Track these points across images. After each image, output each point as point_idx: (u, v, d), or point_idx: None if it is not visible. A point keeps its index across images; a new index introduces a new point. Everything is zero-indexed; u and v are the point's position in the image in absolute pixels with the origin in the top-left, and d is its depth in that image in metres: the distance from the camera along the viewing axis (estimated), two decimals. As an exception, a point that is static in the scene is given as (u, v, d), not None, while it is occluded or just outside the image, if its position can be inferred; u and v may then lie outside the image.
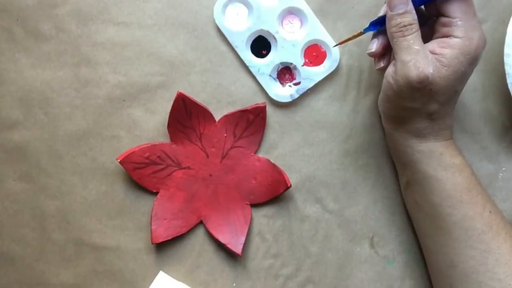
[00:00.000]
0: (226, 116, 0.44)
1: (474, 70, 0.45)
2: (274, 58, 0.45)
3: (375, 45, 0.39)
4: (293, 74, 0.45)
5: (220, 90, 0.45)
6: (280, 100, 0.45)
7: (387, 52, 0.40)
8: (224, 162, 0.44)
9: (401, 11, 0.36)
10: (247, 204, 0.44)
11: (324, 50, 0.45)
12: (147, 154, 0.43)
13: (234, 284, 0.45)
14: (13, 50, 0.46)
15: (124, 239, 0.45)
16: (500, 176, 0.45)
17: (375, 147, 0.45)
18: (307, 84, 0.45)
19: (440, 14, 0.37)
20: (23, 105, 0.45)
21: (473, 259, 0.37)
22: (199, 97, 0.44)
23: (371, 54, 0.40)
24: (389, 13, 0.37)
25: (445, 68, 0.35)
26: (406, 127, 0.39)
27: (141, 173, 0.43)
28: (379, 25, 0.39)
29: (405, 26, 0.36)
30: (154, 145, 0.44)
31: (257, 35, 0.45)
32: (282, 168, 0.45)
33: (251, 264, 0.45)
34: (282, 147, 0.45)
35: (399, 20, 0.36)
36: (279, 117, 0.45)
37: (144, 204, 0.45)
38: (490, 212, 0.38)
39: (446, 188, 0.38)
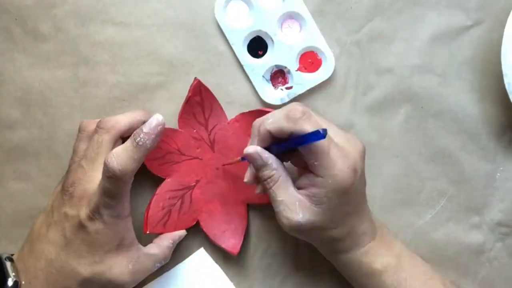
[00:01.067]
0: (238, 117, 0.44)
1: (472, 71, 0.46)
2: (269, 59, 0.45)
3: (248, 176, 0.39)
4: (286, 78, 0.45)
5: (218, 90, 0.45)
6: (270, 102, 0.45)
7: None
8: (231, 163, 0.44)
9: (259, 166, 0.37)
10: (245, 204, 0.44)
11: (320, 58, 0.45)
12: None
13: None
14: (12, 50, 0.46)
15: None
16: (497, 176, 0.45)
17: (373, 148, 0.45)
18: (298, 90, 0.45)
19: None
20: (22, 105, 0.45)
21: None
22: (198, 97, 0.44)
23: (246, 183, 0.40)
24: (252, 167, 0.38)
25: (317, 206, 0.36)
26: (322, 248, 0.41)
27: (152, 157, 0.43)
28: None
29: (265, 179, 0.37)
30: (170, 130, 0.43)
31: (255, 35, 0.45)
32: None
33: (249, 263, 0.45)
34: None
35: (259, 174, 0.38)
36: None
37: (143, 204, 0.45)
38: None
39: None
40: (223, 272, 0.44)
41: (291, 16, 0.45)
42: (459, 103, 0.46)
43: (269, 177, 0.37)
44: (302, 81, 0.45)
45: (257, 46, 0.45)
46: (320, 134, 0.33)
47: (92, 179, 0.38)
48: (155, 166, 0.43)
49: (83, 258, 0.37)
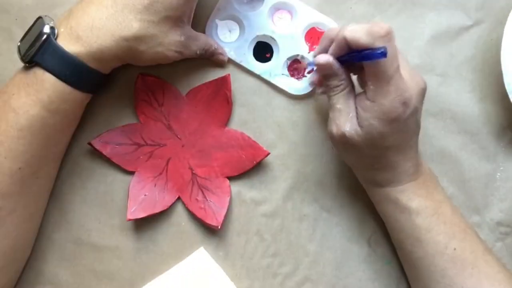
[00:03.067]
0: (191, 91, 0.44)
1: (472, 70, 0.46)
2: (279, 56, 0.45)
3: (314, 77, 0.43)
4: (304, 64, 0.45)
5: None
6: (302, 93, 0.45)
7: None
8: (194, 137, 0.44)
9: (328, 74, 0.38)
10: (225, 177, 0.44)
11: (322, 30, 0.45)
12: (118, 137, 0.44)
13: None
14: (12, 50, 0.46)
15: (123, 239, 0.45)
16: (498, 176, 0.45)
17: (373, 147, 0.46)
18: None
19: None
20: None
21: None
22: (198, 97, 0.44)
23: (311, 84, 0.42)
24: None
25: (360, 127, 0.37)
26: (359, 173, 0.42)
27: (114, 153, 0.44)
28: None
29: (331, 88, 0.38)
30: (124, 126, 0.44)
31: (255, 42, 0.45)
32: (280, 168, 0.45)
33: (249, 263, 0.45)
34: (280, 146, 0.45)
35: (327, 82, 0.38)
36: (277, 117, 0.46)
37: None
38: (454, 249, 0.38)
39: (404, 229, 0.40)
40: (223, 271, 0.44)
41: (277, 7, 0.45)
42: (459, 103, 0.46)
43: (336, 86, 0.38)
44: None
45: (263, 51, 0.45)
46: (380, 53, 0.32)
47: None
48: (125, 162, 0.44)
49: (140, 14, 0.37)
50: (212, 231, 0.45)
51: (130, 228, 0.45)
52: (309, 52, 0.45)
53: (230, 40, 0.45)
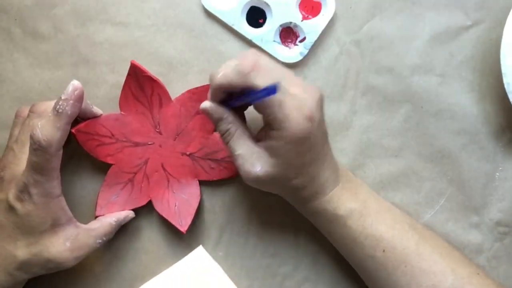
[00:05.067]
0: (182, 95, 0.44)
1: (471, 70, 0.46)
2: (272, 23, 0.45)
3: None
4: (296, 32, 0.45)
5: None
6: (291, 61, 0.45)
7: None
8: (178, 139, 0.44)
9: (214, 120, 0.38)
10: (196, 181, 0.44)
11: (317, 0, 0.45)
12: (98, 127, 0.43)
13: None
14: (11, 50, 0.46)
15: (123, 239, 0.45)
16: (497, 176, 0.45)
17: (372, 148, 0.46)
18: (312, 37, 0.45)
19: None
20: (22, 105, 0.45)
21: None
22: (197, 97, 0.44)
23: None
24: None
25: (274, 158, 0.36)
26: (288, 198, 0.41)
27: (90, 144, 0.43)
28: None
29: (222, 134, 0.38)
30: (106, 117, 0.43)
31: (249, 7, 0.45)
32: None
33: (249, 263, 0.45)
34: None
35: (217, 129, 0.38)
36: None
37: (143, 206, 0.45)
38: (383, 251, 0.38)
39: (338, 238, 0.40)
40: (222, 270, 0.44)
41: None
42: (458, 103, 0.46)
43: (226, 131, 0.38)
44: (311, 28, 0.45)
45: (256, 16, 0.46)
46: (272, 90, 0.31)
47: (21, 162, 0.38)
48: (101, 152, 0.43)
49: (18, 241, 0.37)
50: (211, 231, 0.45)
51: (129, 228, 0.45)
52: (302, 21, 0.45)
53: (223, 4, 0.45)
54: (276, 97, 0.34)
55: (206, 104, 0.37)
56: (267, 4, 0.45)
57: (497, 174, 0.45)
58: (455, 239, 0.45)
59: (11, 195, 0.37)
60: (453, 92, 0.46)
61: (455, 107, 0.46)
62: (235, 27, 0.45)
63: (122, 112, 0.44)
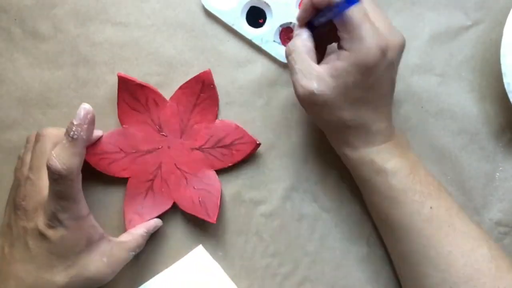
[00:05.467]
0: (176, 93, 0.44)
1: (471, 70, 0.46)
2: (272, 23, 0.45)
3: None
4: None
5: (217, 90, 0.45)
6: None
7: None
8: (184, 136, 0.44)
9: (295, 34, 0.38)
10: (212, 171, 0.44)
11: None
12: (106, 145, 0.43)
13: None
14: (11, 50, 0.46)
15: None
16: (497, 176, 0.45)
17: (373, 147, 0.46)
18: None
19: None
20: (21, 105, 0.46)
21: (417, 252, 0.38)
22: (197, 97, 0.44)
23: None
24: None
25: (334, 79, 0.36)
26: (333, 136, 0.41)
27: (103, 164, 0.43)
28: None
29: (292, 49, 0.38)
30: (110, 134, 0.43)
31: (249, 7, 0.45)
32: (278, 167, 0.45)
33: (248, 264, 0.45)
34: (279, 147, 0.45)
35: (291, 42, 0.38)
36: (276, 117, 0.46)
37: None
38: (431, 208, 0.38)
39: (380, 190, 0.39)
40: (222, 269, 0.44)
41: None
42: (458, 103, 0.46)
43: (294, 45, 0.38)
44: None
45: (256, 16, 0.46)
46: (348, 2, 0.32)
47: (41, 189, 0.38)
48: (116, 169, 0.44)
49: (55, 268, 0.37)
50: (211, 231, 0.45)
51: (129, 228, 0.45)
52: None
53: (223, 4, 0.45)
54: (356, 16, 0.34)
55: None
56: (267, 4, 0.45)
57: (497, 174, 0.45)
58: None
59: (41, 224, 0.37)
60: (453, 92, 0.46)
61: (455, 107, 0.46)
62: (235, 27, 0.45)
63: (123, 126, 0.44)
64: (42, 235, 0.37)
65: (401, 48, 0.37)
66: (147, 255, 0.45)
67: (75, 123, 0.36)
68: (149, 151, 0.44)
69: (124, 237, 0.41)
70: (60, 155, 0.35)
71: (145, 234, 0.42)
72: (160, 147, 0.44)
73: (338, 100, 0.37)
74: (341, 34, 0.36)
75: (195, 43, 0.46)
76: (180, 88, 0.44)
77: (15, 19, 0.46)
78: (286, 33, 0.46)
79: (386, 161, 0.39)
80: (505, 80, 0.42)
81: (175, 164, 0.44)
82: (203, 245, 0.45)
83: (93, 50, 0.46)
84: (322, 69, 0.36)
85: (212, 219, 0.43)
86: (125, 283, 0.45)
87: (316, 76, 0.36)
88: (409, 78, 0.46)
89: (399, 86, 0.45)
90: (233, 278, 0.45)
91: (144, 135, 0.44)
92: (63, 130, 0.38)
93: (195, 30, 0.46)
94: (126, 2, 0.46)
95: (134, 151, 0.44)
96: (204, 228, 0.45)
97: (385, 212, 0.40)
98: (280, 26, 0.45)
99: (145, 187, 0.44)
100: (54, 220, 0.36)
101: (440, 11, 0.46)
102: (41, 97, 0.45)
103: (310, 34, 0.38)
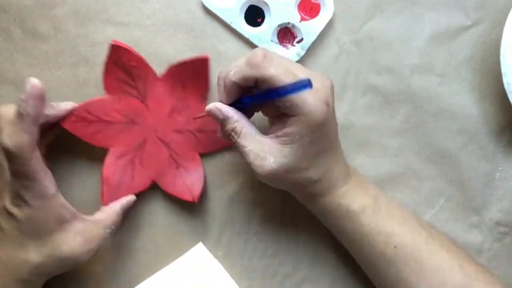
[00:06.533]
0: (168, 71, 0.43)
1: (471, 70, 0.46)
2: (270, 22, 0.45)
3: (219, 130, 0.39)
4: (294, 33, 0.45)
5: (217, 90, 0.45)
6: None
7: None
8: (171, 117, 0.44)
9: (220, 120, 0.38)
10: (198, 154, 0.44)
11: (316, 1, 0.45)
12: (86, 112, 0.42)
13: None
14: (11, 50, 0.46)
15: (124, 238, 0.45)
16: (496, 176, 0.45)
17: (372, 148, 0.46)
18: (310, 38, 0.45)
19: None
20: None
21: None
22: (197, 97, 0.44)
23: (222, 138, 0.40)
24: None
25: (288, 146, 0.36)
26: (298, 194, 0.41)
27: (84, 131, 0.42)
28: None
29: (229, 133, 0.37)
30: (92, 101, 0.42)
31: (248, 6, 0.45)
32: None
33: (249, 263, 0.45)
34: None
35: (224, 128, 0.38)
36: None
37: (140, 205, 0.45)
38: (395, 247, 0.38)
39: (349, 234, 0.40)
40: (222, 267, 0.44)
41: None
42: (458, 103, 0.46)
43: (232, 130, 0.37)
44: (309, 29, 0.45)
45: (254, 15, 0.46)
46: (305, 84, 0.32)
47: (7, 169, 0.37)
48: (96, 138, 0.43)
49: (27, 246, 0.37)
50: (211, 231, 0.45)
51: (128, 228, 0.45)
52: (300, 22, 0.45)
53: (222, 1, 0.45)
54: (296, 99, 0.35)
55: (211, 105, 0.38)
56: (266, 4, 0.45)
57: (497, 174, 0.45)
58: (455, 239, 0.45)
59: (7, 203, 0.37)
60: (453, 92, 0.46)
61: (455, 107, 0.46)
62: (233, 25, 0.45)
63: (109, 95, 0.43)
64: (9, 214, 0.37)
65: (332, 89, 0.38)
66: (147, 253, 0.45)
67: (21, 97, 0.35)
68: (134, 123, 0.43)
69: (99, 215, 0.41)
70: (9, 133, 0.35)
71: (119, 211, 0.41)
72: (146, 122, 0.43)
73: (299, 163, 0.37)
74: (282, 102, 0.35)
75: (195, 43, 0.46)
76: (175, 66, 0.43)
77: (15, 19, 0.46)
78: (284, 33, 0.46)
79: (351, 204, 0.39)
80: (504, 80, 0.42)
81: (161, 141, 0.44)
82: (202, 240, 0.45)
83: (93, 50, 0.46)
84: (272, 142, 0.36)
85: (195, 197, 0.42)
86: (125, 281, 0.45)
87: (268, 151, 0.36)
88: (409, 78, 0.46)
89: (399, 86, 0.45)
90: (233, 278, 0.45)
91: (130, 108, 0.43)
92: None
93: (195, 30, 0.46)
94: (126, 2, 0.46)
95: (118, 122, 0.43)
96: (204, 227, 0.45)
97: (355, 252, 0.41)
98: (278, 26, 0.45)
99: (125, 161, 0.43)
100: (18, 199, 0.36)
101: (440, 11, 0.46)
102: (41, 97, 0.45)
103: (238, 112, 0.38)
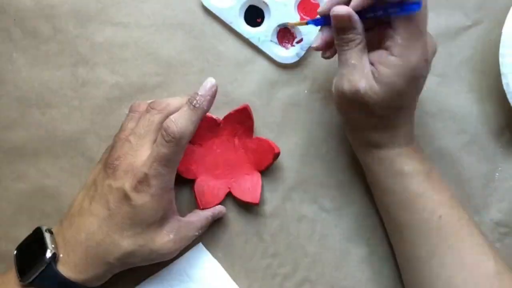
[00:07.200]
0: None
1: (471, 71, 0.46)
2: (270, 23, 0.45)
3: (319, 40, 0.39)
4: (293, 33, 0.46)
5: (217, 90, 0.45)
6: (287, 62, 0.45)
7: (332, 45, 0.40)
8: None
9: (345, 27, 0.36)
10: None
11: (316, 2, 0.45)
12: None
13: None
14: (10, 50, 0.46)
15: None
16: (496, 176, 0.45)
17: (372, 147, 0.46)
18: (309, 39, 0.45)
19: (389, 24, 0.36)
20: (21, 105, 0.45)
21: (420, 259, 0.39)
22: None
23: (314, 49, 0.40)
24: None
25: (378, 84, 0.36)
26: (357, 134, 0.41)
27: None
28: (322, 24, 0.39)
29: (346, 42, 0.36)
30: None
31: (247, 6, 0.45)
32: (279, 168, 0.45)
33: (249, 264, 0.45)
34: (280, 147, 0.45)
35: (341, 35, 0.36)
36: (276, 117, 0.46)
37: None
38: (440, 216, 0.38)
39: (395, 192, 0.39)
40: (222, 267, 0.44)
41: None
42: (458, 103, 0.46)
43: (352, 41, 0.36)
44: (309, 29, 0.45)
45: (254, 16, 0.46)
46: (417, 4, 0.31)
47: (138, 154, 0.38)
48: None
49: (125, 232, 0.38)
50: (211, 231, 0.45)
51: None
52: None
53: (222, 1, 0.45)
54: (422, 23, 0.34)
55: (344, 9, 0.35)
56: (265, 4, 0.45)
57: (497, 174, 0.45)
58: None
59: (128, 185, 0.37)
60: (453, 92, 0.46)
61: (454, 107, 0.46)
62: (232, 25, 0.45)
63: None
64: (126, 196, 0.37)
65: (435, 54, 0.38)
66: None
67: (200, 93, 0.38)
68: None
69: (191, 217, 0.42)
70: (178, 120, 0.37)
71: (210, 218, 0.43)
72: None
73: (380, 106, 0.36)
74: (397, 36, 0.35)
75: (195, 43, 0.46)
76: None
77: (15, 19, 0.46)
78: (283, 33, 0.46)
79: (405, 164, 0.39)
80: (504, 80, 0.42)
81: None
82: (202, 241, 0.45)
83: (92, 51, 0.46)
84: (371, 70, 0.36)
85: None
86: (126, 281, 0.44)
87: (365, 75, 0.36)
88: (408, 78, 0.46)
89: (399, 86, 0.45)
90: (233, 278, 0.44)
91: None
92: (174, 105, 0.39)
93: (194, 30, 0.46)
94: (125, 3, 0.46)
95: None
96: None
97: (396, 213, 0.40)
98: (278, 26, 0.45)
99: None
100: (143, 184, 0.37)
101: (440, 11, 0.46)
102: (41, 97, 0.45)
103: (363, 26, 0.36)
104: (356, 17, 0.35)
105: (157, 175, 0.37)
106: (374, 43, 0.37)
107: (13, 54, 0.46)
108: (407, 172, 0.39)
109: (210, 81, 0.38)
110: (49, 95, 0.45)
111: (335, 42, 0.37)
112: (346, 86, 0.36)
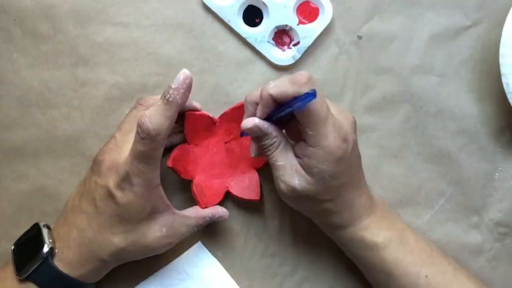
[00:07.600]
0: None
1: (470, 71, 0.46)
2: (268, 23, 0.45)
3: (254, 151, 0.40)
4: (291, 35, 0.46)
5: (217, 90, 0.45)
6: (283, 64, 0.45)
7: None
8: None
9: (259, 136, 0.37)
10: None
11: (315, 5, 0.45)
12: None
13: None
14: (10, 50, 0.46)
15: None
16: (496, 176, 0.45)
17: (372, 148, 0.46)
18: (306, 42, 0.45)
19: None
20: (21, 105, 0.45)
21: None
22: (197, 97, 0.44)
23: (254, 157, 0.40)
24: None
25: (310, 175, 0.36)
26: (319, 221, 0.41)
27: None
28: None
29: (266, 148, 0.37)
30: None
31: (247, 5, 0.45)
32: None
33: (248, 264, 0.45)
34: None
35: (261, 143, 0.38)
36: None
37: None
38: (426, 276, 0.38)
39: (375, 266, 0.39)
40: (221, 265, 0.44)
41: None
42: (458, 103, 0.46)
43: (271, 145, 0.37)
44: (306, 33, 0.45)
45: (253, 15, 0.46)
46: (311, 94, 0.32)
47: (122, 150, 0.38)
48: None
49: (115, 228, 0.38)
50: (211, 231, 0.45)
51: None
52: (297, 25, 0.45)
53: (223, 3, 0.45)
54: (322, 113, 0.35)
55: (250, 122, 0.37)
56: (264, 4, 0.45)
57: (497, 174, 0.45)
58: (455, 239, 0.45)
59: (112, 183, 0.37)
60: (453, 92, 0.46)
61: (454, 107, 0.46)
62: (230, 24, 0.45)
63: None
64: (110, 195, 0.37)
65: (355, 125, 0.38)
66: (148, 257, 0.45)
67: (173, 86, 0.36)
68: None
69: (188, 212, 0.42)
70: (152, 116, 0.36)
71: (207, 218, 0.42)
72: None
73: (320, 192, 0.37)
74: (306, 128, 0.35)
75: (195, 43, 0.46)
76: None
77: (15, 20, 0.46)
78: (281, 34, 0.46)
79: (376, 236, 0.39)
80: (504, 81, 0.42)
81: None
82: (201, 239, 0.45)
83: (92, 51, 0.46)
84: (299, 165, 0.37)
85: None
86: (126, 279, 0.44)
87: (296, 172, 0.37)
88: (408, 78, 0.46)
89: (398, 86, 0.46)
90: (233, 278, 0.45)
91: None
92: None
93: (194, 30, 0.46)
94: (125, 3, 0.46)
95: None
96: (204, 228, 0.45)
97: (384, 284, 0.40)
98: (276, 27, 0.45)
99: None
100: (126, 182, 0.37)
101: (440, 11, 0.46)
102: (41, 97, 0.45)
103: (277, 128, 0.37)
104: (265, 125, 0.37)
105: (138, 172, 0.36)
106: (297, 134, 0.37)
107: (13, 54, 0.46)
108: (380, 243, 0.39)
109: (183, 73, 0.36)
110: (49, 95, 0.46)
111: (258, 150, 0.39)
112: (283, 186, 0.37)
